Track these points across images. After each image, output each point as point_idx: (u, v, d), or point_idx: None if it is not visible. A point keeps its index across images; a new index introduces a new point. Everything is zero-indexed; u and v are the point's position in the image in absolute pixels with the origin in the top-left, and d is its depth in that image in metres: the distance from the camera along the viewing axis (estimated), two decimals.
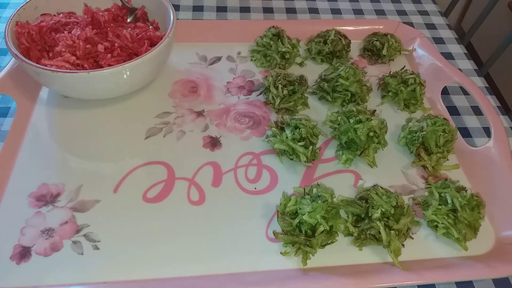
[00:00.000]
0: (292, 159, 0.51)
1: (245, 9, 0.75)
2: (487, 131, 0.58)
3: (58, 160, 0.49)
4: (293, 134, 0.50)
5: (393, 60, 0.67)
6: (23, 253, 0.42)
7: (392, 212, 0.43)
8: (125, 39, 0.50)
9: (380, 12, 0.79)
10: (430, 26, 0.77)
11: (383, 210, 0.43)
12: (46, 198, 0.46)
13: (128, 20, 0.58)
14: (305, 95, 0.58)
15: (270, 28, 0.64)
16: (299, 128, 0.50)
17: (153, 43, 0.54)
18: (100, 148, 0.51)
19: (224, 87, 0.60)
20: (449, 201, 0.45)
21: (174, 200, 0.47)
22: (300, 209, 0.44)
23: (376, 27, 0.70)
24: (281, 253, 0.43)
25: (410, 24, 0.76)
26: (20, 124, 0.52)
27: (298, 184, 0.50)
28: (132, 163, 0.50)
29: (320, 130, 0.53)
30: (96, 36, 0.49)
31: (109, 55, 0.49)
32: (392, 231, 0.43)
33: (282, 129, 0.52)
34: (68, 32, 0.50)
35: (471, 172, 0.53)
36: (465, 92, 0.64)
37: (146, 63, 0.49)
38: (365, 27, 0.70)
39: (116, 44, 0.50)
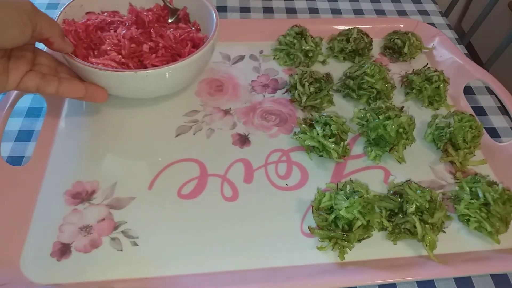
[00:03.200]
0: (321, 156, 0.51)
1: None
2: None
3: (91, 158, 0.50)
4: (324, 130, 0.50)
5: (414, 58, 0.67)
6: (63, 250, 0.42)
7: (427, 206, 0.44)
8: (168, 40, 0.50)
9: (380, 12, 0.79)
10: None
11: (418, 204, 0.44)
12: (81, 196, 0.46)
13: (170, 21, 0.58)
14: (330, 92, 0.59)
15: (293, 26, 0.65)
16: (330, 125, 0.50)
17: (195, 45, 0.54)
18: (131, 146, 0.51)
19: (249, 85, 0.61)
20: (481, 195, 0.46)
21: (208, 196, 0.47)
22: (336, 204, 0.44)
23: (396, 25, 0.71)
24: (317, 248, 0.44)
25: None
26: (52, 123, 0.52)
27: (328, 180, 0.50)
28: (164, 160, 0.50)
29: (349, 126, 0.53)
30: (141, 35, 0.50)
31: (153, 55, 0.49)
32: (427, 225, 0.43)
33: (311, 126, 0.52)
34: (113, 31, 0.50)
35: (497, 167, 0.53)
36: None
37: (192, 65, 0.49)
38: (384, 26, 0.71)
39: (160, 45, 0.50)
